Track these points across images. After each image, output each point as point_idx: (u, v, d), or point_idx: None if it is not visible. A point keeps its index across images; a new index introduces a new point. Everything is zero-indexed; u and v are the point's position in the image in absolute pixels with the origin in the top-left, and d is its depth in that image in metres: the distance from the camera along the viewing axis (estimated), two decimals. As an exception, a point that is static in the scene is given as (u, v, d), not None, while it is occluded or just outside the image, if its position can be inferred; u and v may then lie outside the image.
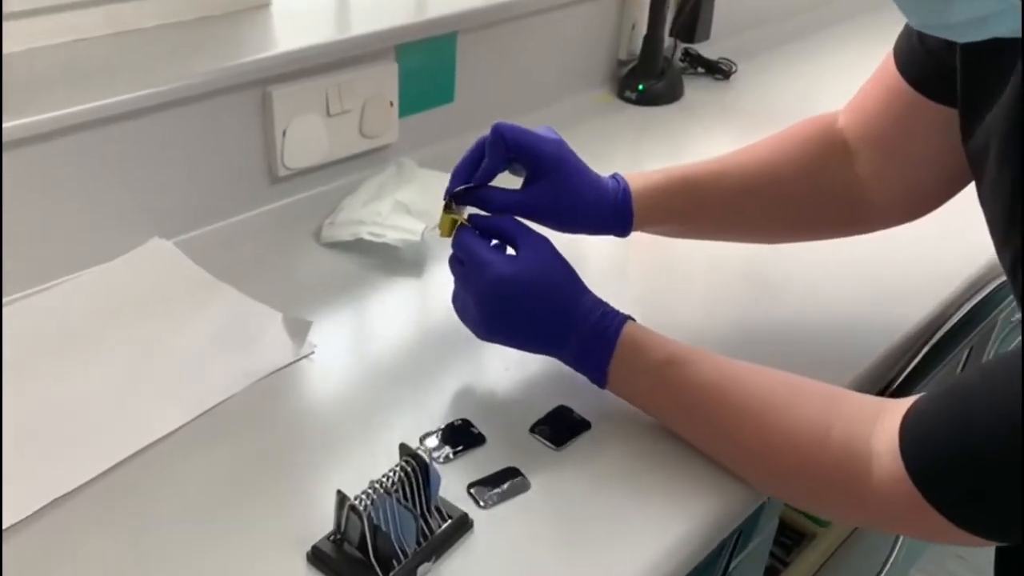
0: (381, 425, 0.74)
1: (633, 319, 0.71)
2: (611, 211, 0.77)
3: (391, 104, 1.05)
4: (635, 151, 1.27)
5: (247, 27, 1.00)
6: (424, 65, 1.09)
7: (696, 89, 1.41)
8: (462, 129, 1.15)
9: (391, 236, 0.93)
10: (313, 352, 0.83)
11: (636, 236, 0.82)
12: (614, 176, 0.80)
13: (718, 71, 1.44)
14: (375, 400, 0.77)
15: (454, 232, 0.73)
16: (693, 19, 1.36)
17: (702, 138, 1.30)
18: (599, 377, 0.71)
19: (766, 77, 1.46)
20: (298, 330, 0.84)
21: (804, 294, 0.92)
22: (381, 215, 0.94)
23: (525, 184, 0.76)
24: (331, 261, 0.95)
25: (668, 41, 1.38)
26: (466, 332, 0.75)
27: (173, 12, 0.99)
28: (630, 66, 1.38)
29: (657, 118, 1.33)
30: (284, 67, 0.96)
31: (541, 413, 0.75)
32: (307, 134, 0.99)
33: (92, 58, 0.92)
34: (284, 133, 0.97)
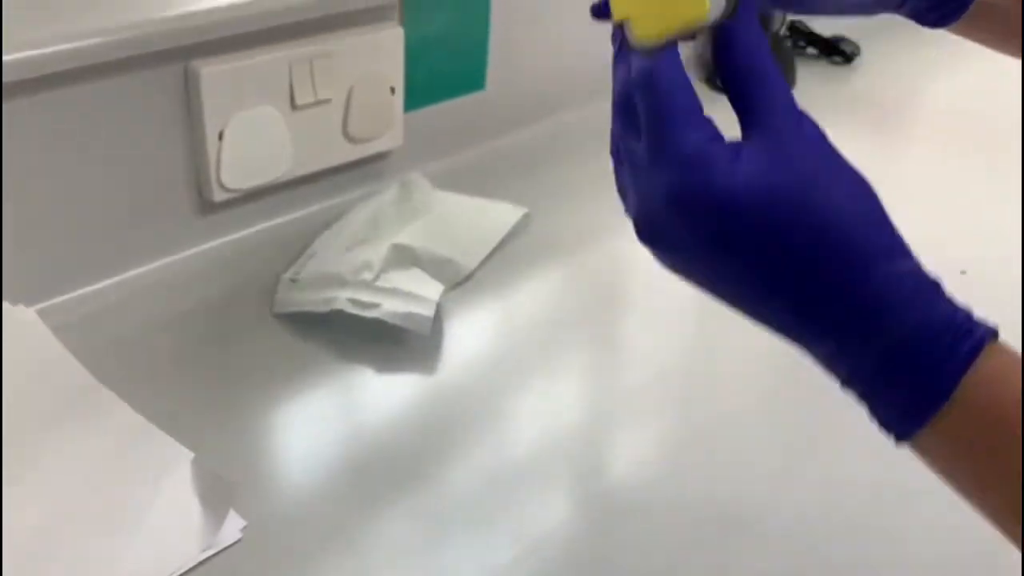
0: None
1: (996, 332, 0.40)
2: None
3: (392, 91, 0.89)
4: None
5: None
6: (444, 30, 0.95)
7: (809, 76, 1.28)
8: (497, 130, 0.97)
9: (388, 307, 0.73)
10: (238, 539, 0.55)
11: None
12: None
13: (836, 52, 1.33)
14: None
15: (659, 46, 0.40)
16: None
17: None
18: (909, 419, 0.40)
19: (898, 64, 1.34)
20: (214, 497, 0.55)
21: None
22: (373, 269, 0.76)
23: None
24: (289, 345, 0.73)
25: (776, 14, 1.26)
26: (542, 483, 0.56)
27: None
28: (722, 42, 1.24)
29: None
30: (217, 28, 0.75)
31: None
32: (258, 137, 0.81)
33: None
34: (221, 136, 0.78)
